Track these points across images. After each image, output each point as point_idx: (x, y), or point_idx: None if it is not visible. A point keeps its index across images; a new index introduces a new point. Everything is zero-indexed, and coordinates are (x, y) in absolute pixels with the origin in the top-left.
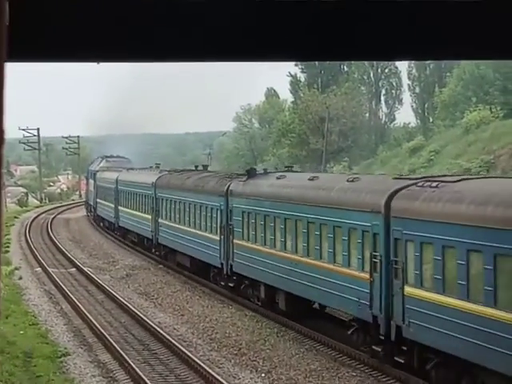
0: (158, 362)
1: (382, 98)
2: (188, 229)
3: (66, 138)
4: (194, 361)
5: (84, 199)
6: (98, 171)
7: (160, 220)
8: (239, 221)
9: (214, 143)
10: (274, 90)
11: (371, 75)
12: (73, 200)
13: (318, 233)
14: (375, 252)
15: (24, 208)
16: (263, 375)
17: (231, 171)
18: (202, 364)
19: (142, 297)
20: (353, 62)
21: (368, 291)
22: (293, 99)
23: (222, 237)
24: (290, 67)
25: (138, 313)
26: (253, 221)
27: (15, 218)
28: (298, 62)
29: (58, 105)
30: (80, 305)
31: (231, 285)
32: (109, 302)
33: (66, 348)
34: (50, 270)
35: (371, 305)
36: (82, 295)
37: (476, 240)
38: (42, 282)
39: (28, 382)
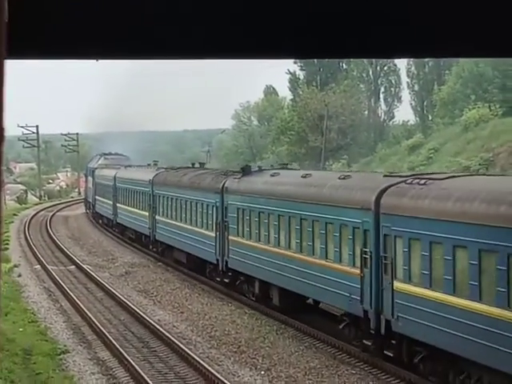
0: (157, 359)
1: (381, 95)
2: (184, 225)
3: (65, 135)
4: (194, 358)
5: (83, 196)
6: (96, 168)
7: (157, 217)
8: (234, 217)
9: (212, 141)
10: (273, 88)
11: (370, 73)
12: (72, 197)
13: (310, 229)
14: (365, 248)
15: (23, 205)
16: (263, 373)
17: (230, 169)
18: (201, 361)
19: (142, 294)
20: (352, 59)
21: (359, 286)
22: (292, 97)
23: (218, 233)
24: (289, 65)
25: (138, 310)
26: (247, 217)
27: (14, 215)
28: (297, 60)
29: (57, 102)
30: (79, 302)
31: (226, 281)
32: (108, 300)
33: (65, 345)
34: (49, 267)
35: (362, 300)
36: (81, 293)
37: (461, 236)
38: (42, 280)
39: (27, 380)
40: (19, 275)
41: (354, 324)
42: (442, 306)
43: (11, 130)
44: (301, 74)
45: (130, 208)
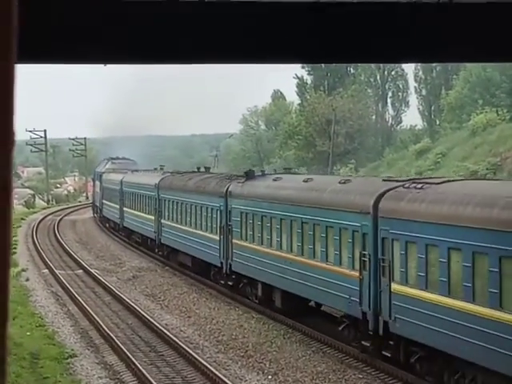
0: (164, 363)
1: (389, 100)
2: (189, 229)
3: (73, 139)
4: (201, 363)
5: (91, 201)
6: (103, 173)
7: (163, 221)
8: (238, 221)
9: (220, 145)
10: (281, 92)
11: (378, 78)
12: (79, 202)
13: (311, 233)
14: (364, 251)
15: (31, 210)
16: (270, 377)
17: (236, 173)
18: (208, 366)
19: (149, 298)
20: (359, 64)
21: (358, 289)
22: (299, 101)
23: (222, 237)
24: (297, 69)
25: (145, 314)
26: (250, 221)
27: (22, 219)
28: (305, 65)
29: (65, 107)
30: (87, 306)
31: (230, 283)
32: (116, 304)
33: (72, 349)
34: (56, 271)
35: (361, 302)
36: (88, 297)
37: (456, 239)
38: (49, 284)
39: None
40: (27, 279)
41: (354, 325)
42: (437, 307)
43: (19, 135)
44: (308, 79)
45: (136, 212)
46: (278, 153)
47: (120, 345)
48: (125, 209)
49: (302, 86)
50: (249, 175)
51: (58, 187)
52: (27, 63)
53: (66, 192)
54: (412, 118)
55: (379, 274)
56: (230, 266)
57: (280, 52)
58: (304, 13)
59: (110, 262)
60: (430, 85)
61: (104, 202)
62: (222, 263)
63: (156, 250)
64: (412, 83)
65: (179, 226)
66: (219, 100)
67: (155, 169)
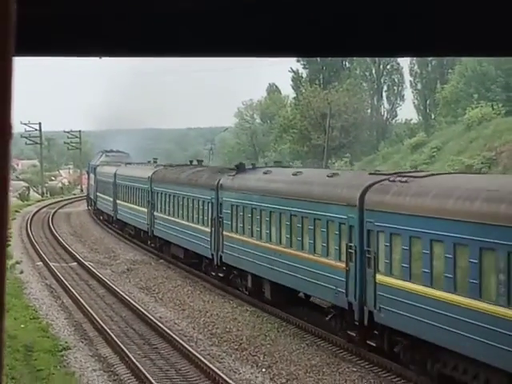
0: (158, 356)
1: (384, 94)
2: (181, 221)
3: (68, 132)
4: (195, 355)
5: (85, 194)
6: (98, 166)
7: (155, 213)
8: (228, 213)
9: (215, 139)
10: (276, 86)
11: (373, 71)
12: (74, 194)
13: (299, 225)
14: (350, 243)
15: (25, 202)
16: (264, 370)
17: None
18: (202, 359)
19: (143, 291)
20: (355, 58)
21: (344, 280)
22: (295, 95)
23: (213, 229)
24: (292, 63)
25: (139, 307)
26: (241, 213)
27: (16, 212)
28: (300, 58)
29: (60, 99)
30: (81, 299)
31: (221, 275)
32: (110, 297)
33: (66, 342)
34: (51, 264)
35: (347, 292)
36: (82, 289)
37: (438, 231)
38: (43, 276)
39: (29, 376)
40: (21, 272)
41: (340, 316)
42: (420, 297)
43: (14, 127)
44: (304, 73)
45: (129, 204)
46: (273, 146)
47: (114, 337)
48: (118, 201)
49: (297, 79)
50: (239, 168)
51: (52, 180)
52: (24, 56)
53: (60, 185)
54: (407, 112)
55: (365, 265)
56: (221, 257)
57: (279, 46)
58: (302, 6)
59: (104, 255)
60: (426, 79)
61: (98, 194)
62: (212, 255)
63: (148, 242)
64: (407, 77)
65: (171, 219)
66: (214, 94)
67: (148, 162)
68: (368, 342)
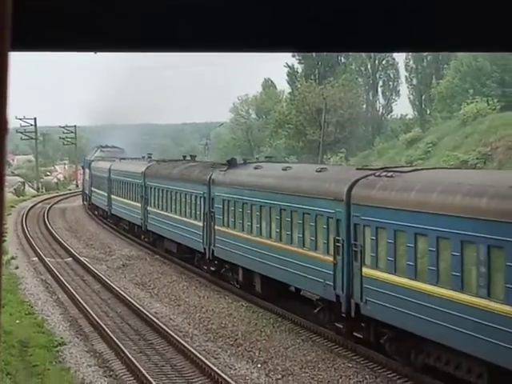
0: (153, 352)
1: (379, 89)
2: (174, 216)
3: (63, 127)
4: (190, 351)
5: (81, 189)
6: (92, 161)
7: (149, 208)
8: (220, 208)
9: (211, 134)
10: (272, 81)
11: (368, 67)
12: (69, 190)
13: (289, 219)
14: (338, 237)
15: (21, 197)
16: (259, 366)
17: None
18: (197, 354)
19: (139, 287)
20: (350, 53)
21: (332, 273)
22: (290, 90)
23: (205, 223)
24: (288, 58)
25: (135, 303)
26: (232, 208)
27: (12, 207)
28: (296, 53)
29: (55, 95)
30: (76, 294)
31: (213, 269)
32: (105, 292)
33: (62, 337)
34: (46, 259)
35: (335, 285)
36: (78, 285)
37: (421, 224)
38: (39, 272)
39: (24, 372)
40: (16, 267)
41: (328, 308)
42: (404, 290)
43: (9, 122)
44: (299, 68)
45: (123, 199)
46: (269, 141)
47: (109, 333)
48: (113, 196)
49: (292, 74)
50: (231, 164)
51: (47, 175)
52: (20, 51)
53: (55, 180)
54: (402, 107)
55: (352, 258)
56: (213, 251)
57: (278, 41)
58: (300, 1)
59: (99, 250)
60: (421, 74)
61: (93, 189)
62: (205, 249)
63: (142, 237)
64: (403, 72)
65: (164, 213)
66: (210, 89)
67: (143, 157)
68: (355, 333)
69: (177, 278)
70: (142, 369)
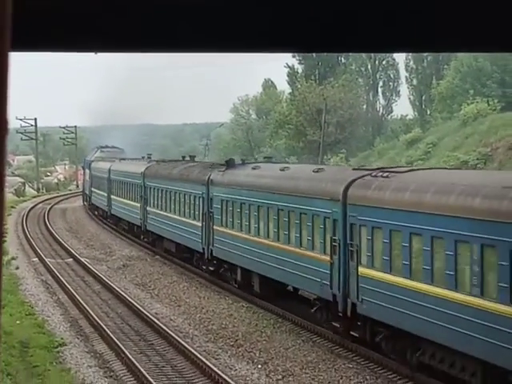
0: (154, 352)
1: (380, 89)
2: (173, 216)
3: (64, 128)
4: (191, 352)
5: (81, 189)
6: (93, 161)
7: (148, 208)
8: (218, 208)
9: (211, 134)
10: (272, 81)
11: (369, 67)
12: (70, 190)
13: (286, 219)
14: (335, 236)
15: (21, 198)
16: (260, 366)
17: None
18: (198, 355)
19: (139, 287)
20: (350, 53)
21: (329, 272)
22: (290, 90)
23: (204, 223)
24: (288, 58)
25: (135, 303)
26: (230, 208)
27: (12, 207)
28: (296, 54)
29: (56, 95)
30: (77, 295)
31: (211, 269)
32: (105, 293)
33: (62, 338)
34: (46, 260)
35: (331, 285)
36: (78, 285)
37: (416, 224)
38: (39, 272)
39: (24, 372)
40: (17, 268)
41: (325, 307)
42: (400, 289)
43: (10, 122)
44: (299, 68)
45: (123, 200)
46: (269, 142)
47: (110, 334)
48: (112, 196)
49: (292, 75)
50: (229, 164)
51: (48, 175)
52: (20, 51)
53: (56, 180)
54: (403, 107)
55: (348, 258)
56: (212, 251)
57: (279, 41)
58: (301, 1)
59: (100, 251)
60: (421, 75)
61: (93, 190)
62: (203, 249)
63: (141, 237)
64: (403, 73)
65: (164, 213)
66: (210, 89)
67: (142, 157)
68: (351, 332)
69: (177, 278)
70: (142, 369)
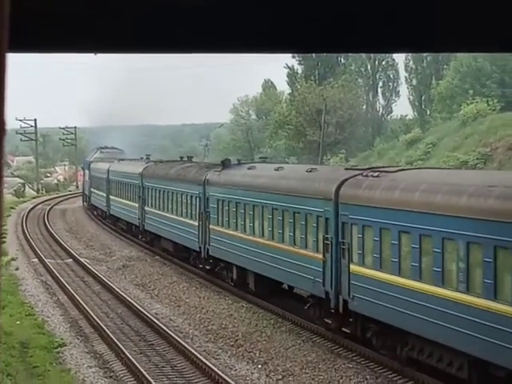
0: (154, 353)
1: (379, 90)
2: (170, 215)
3: (63, 128)
4: (191, 352)
5: (81, 190)
6: (92, 162)
7: (146, 208)
8: (215, 208)
9: (210, 135)
10: (272, 82)
11: (368, 67)
12: (70, 191)
13: (280, 218)
14: (327, 235)
15: (21, 199)
16: (260, 366)
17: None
18: (198, 355)
19: (139, 288)
20: (350, 54)
21: (321, 270)
22: (290, 91)
23: (200, 223)
24: (288, 59)
25: (135, 304)
26: (226, 208)
27: (12, 208)
28: (296, 54)
29: (56, 96)
30: (76, 295)
31: (208, 267)
32: (105, 293)
33: (62, 339)
34: (46, 260)
35: (324, 282)
36: (78, 286)
37: (405, 222)
38: (39, 273)
39: (24, 373)
40: (16, 268)
41: (318, 305)
42: (389, 285)
43: (9, 123)
44: (299, 69)
45: (121, 200)
46: (269, 142)
47: (110, 334)
48: (111, 197)
49: (292, 75)
50: (225, 164)
51: (48, 176)
52: (18, 52)
53: (56, 181)
54: (402, 107)
55: (340, 256)
56: (208, 250)
57: (277, 42)
58: (300, 2)
59: (99, 252)
60: (421, 75)
61: (92, 190)
62: (200, 248)
63: (140, 237)
64: (402, 73)
65: (161, 213)
66: (210, 90)
67: (141, 158)
68: (343, 329)
69: (177, 278)
70: (142, 370)
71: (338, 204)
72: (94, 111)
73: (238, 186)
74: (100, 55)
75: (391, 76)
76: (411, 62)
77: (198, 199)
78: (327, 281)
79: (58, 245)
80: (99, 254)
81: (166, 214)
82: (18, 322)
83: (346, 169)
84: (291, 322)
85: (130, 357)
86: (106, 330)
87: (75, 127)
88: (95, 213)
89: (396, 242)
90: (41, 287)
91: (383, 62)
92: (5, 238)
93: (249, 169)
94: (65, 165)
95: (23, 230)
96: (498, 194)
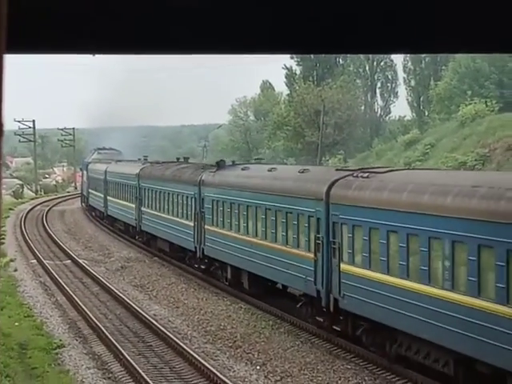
0: (152, 354)
1: (378, 91)
2: (167, 216)
3: (62, 129)
4: (189, 353)
5: (79, 191)
6: (90, 163)
7: (143, 208)
8: (209, 208)
9: (209, 136)
10: (270, 83)
11: (367, 68)
12: (68, 192)
13: (273, 218)
14: (318, 234)
15: (19, 200)
16: (258, 368)
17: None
18: (196, 356)
19: (137, 289)
20: (348, 55)
21: (313, 269)
22: (288, 92)
23: (196, 223)
24: (286, 60)
25: (133, 305)
26: (221, 208)
27: (10, 209)
28: (294, 55)
29: (54, 97)
30: (75, 297)
31: (203, 267)
32: (104, 294)
33: (61, 340)
34: (45, 261)
35: (315, 281)
36: (77, 287)
37: (393, 222)
38: (37, 274)
39: (23, 374)
40: (15, 270)
41: (310, 303)
42: (378, 284)
43: (7, 125)
44: (297, 69)
45: (118, 200)
46: (267, 143)
47: (108, 335)
48: (109, 198)
49: (290, 76)
50: (220, 165)
51: (46, 177)
52: (16, 53)
53: (54, 182)
54: (401, 108)
55: (331, 255)
56: (203, 250)
57: (276, 42)
58: (299, 2)
59: (98, 253)
60: (419, 75)
61: (90, 191)
62: (195, 248)
63: (136, 237)
64: (401, 74)
65: (157, 214)
66: (208, 91)
67: (139, 159)
68: (334, 327)
69: (175, 280)
70: (140, 371)
71: (328, 204)
72: (94, 112)
73: (232, 186)
74: (99, 56)
75: (389, 77)
76: (409, 63)
77: (193, 200)
78: (318, 280)
79: (56, 246)
80: (98, 255)
81: (162, 215)
82: (16, 324)
83: (337, 169)
84: (289, 323)
85: (129, 358)
86: (105, 331)
87: (74, 128)
88: (93, 214)
89: (384, 242)
90: (39, 288)
91: (381, 63)
92: (3, 239)
93: (243, 170)
94: (63, 166)
95: (22, 231)
96: (482, 194)
